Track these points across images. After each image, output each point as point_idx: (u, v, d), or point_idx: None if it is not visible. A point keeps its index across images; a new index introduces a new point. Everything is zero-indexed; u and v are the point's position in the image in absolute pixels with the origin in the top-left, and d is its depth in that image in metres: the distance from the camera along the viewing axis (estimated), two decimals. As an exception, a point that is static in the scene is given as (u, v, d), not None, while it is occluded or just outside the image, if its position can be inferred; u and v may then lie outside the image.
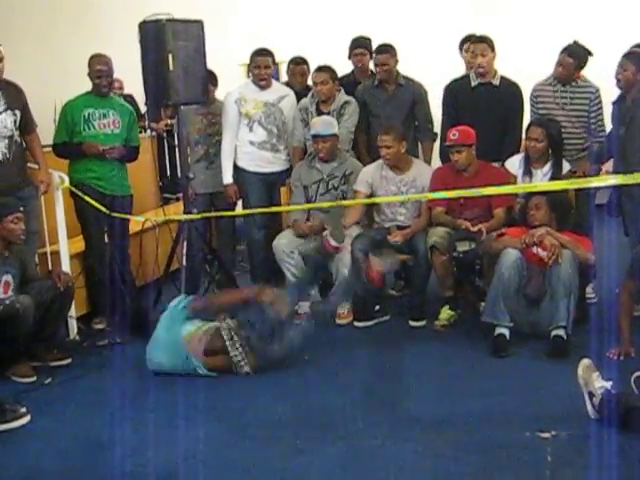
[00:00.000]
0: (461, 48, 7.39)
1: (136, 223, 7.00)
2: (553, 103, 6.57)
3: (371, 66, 7.34)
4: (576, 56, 6.43)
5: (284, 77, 8.19)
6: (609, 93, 6.39)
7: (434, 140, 7.16)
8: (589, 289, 6.49)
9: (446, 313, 6.31)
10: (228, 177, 7.10)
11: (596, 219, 6.80)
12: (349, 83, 7.33)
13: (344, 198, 6.74)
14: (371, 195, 6.64)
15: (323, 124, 6.69)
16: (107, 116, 6.62)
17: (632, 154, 5.81)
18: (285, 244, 6.62)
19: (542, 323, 5.75)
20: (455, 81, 7.00)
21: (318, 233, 6.66)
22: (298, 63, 7.78)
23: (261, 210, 6.88)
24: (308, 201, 6.81)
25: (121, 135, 6.70)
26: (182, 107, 6.80)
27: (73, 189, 6.50)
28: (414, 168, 6.65)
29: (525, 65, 8.01)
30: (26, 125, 6.20)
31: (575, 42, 6.51)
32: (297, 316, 6.43)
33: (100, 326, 6.62)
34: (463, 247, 6.14)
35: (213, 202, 7.36)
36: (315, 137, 6.68)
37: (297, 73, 7.73)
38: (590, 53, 6.47)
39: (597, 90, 6.54)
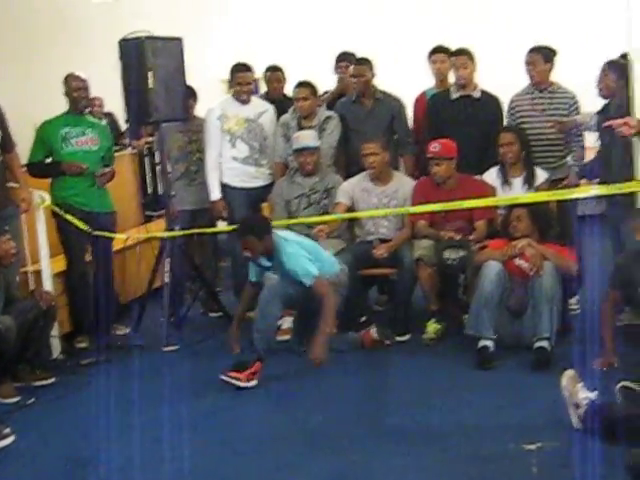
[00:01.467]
0: (429, 59, 7.41)
1: (118, 241, 6.98)
2: (531, 110, 6.61)
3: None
4: (542, 51, 6.55)
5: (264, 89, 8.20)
6: (586, 103, 6.46)
7: (415, 153, 7.16)
8: (573, 300, 6.51)
9: (433, 326, 6.30)
10: (216, 193, 7.09)
11: (580, 230, 6.84)
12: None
13: (326, 213, 6.74)
14: (352, 208, 6.64)
15: (310, 137, 6.71)
16: (85, 134, 6.63)
17: (617, 162, 5.83)
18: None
19: (525, 335, 5.76)
20: (436, 94, 7.05)
21: None
22: (273, 70, 7.79)
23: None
24: (291, 216, 6.80)
25: (99, 152, 6.72)
26: (162, 124, 6.80)
27: (55, 208, 6.48)
28: (395, 180, 6.66)
29: (501, 77, 8.04)
30: (5, 144, 6.17)
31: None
32: (280, 332, 6.46)
33: (82, 345, 6.60)
34: (453, 254, 6.11)
35: (195, 219, 7.34)
36: (301, 150, 6.68)
37: (273, 80, 7.73)
38: (554, 51, 6.59)
39: (574, 96, 6.60)
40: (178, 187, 7.22)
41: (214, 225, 7.44)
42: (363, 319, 6.55)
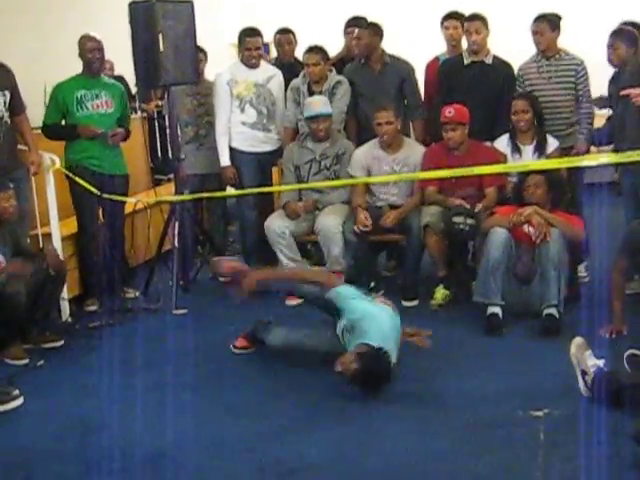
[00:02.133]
0: (442, 25, 7.35)
1: (128, 204, 6.99)
2: (539, 78, 6.58)
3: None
4: (547, 19, 6.48)
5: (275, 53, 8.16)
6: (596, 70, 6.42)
7: (424, 118, 7.13)
8: (581, 267, 6.50)
9: (441, 293, 6.31)
10: (225, 159, 7.09)
11: (590, 198, 6.84)
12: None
13: (336, 178, 6.73)
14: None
15: (323, 104, 6.67)
16: (99, 97, 6.61)
17: (631, 130, 5.80)
18: (277, 225, 6.61)
19: (533, 302, 5.76)
20: (448, 59, 7.03)
21: (310, 212, 6.66)
22: (284, 32, 7.72)
23: (254, 190, 6.87)
24: (300, 181, 6.80)
25: (115, 114, 6.70)
26: (172, 88, 6.78)
27: (64, 171, 6.48)
28: (406, 147, 6.63)
29: (514, 43, 7.98)
30: (15, 106, 6.15)
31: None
32: (290, 297, 6.47)
33: (92, 308, 6.62)
34: (462, 220, 6.09)
35: (204, 183, 7.34)
36: (315, 117, 6.64)
37: (284, 43, 7.66)
38: (559, 17, 6.53)
39: (582, 62, 6.55)
40: (187, 151, 7.21)
41: (223, 189, 7.43)
42: (372, 285, 6.56)
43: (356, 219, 6.36)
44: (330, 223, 6.47)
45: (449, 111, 6.25)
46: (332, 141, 6.76)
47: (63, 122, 6.63)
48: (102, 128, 6.54)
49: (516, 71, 6.74)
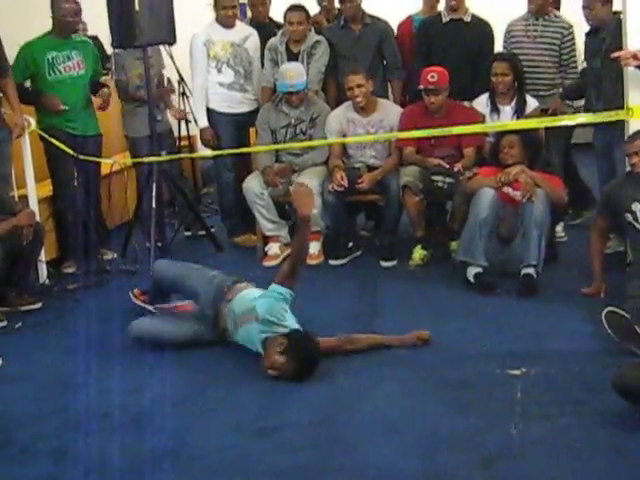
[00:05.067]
0: None
1: (105, 166, 6.94)
2: (524, 36, 6.59)
3: (337, 5, 7.28)
4: None
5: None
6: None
7: (404, 79, 7.09)
8: (559, 228, 6.52)
9: (419, 253, 6.31)
10: (203, 121, 7.04)
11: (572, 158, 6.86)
12: None
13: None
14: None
15: (297, 74, 6.53)
16: (70, 58, 6.53)
17: (608, 86, 5.79)
18: (255, 186, 6.58)
19: (513, 262, 5.77)
20: (427, 19, 6.98)
21: (286, 176, 6.64)
22: None
23: (231, 151, 6.82)
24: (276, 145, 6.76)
25: (86, 75, 6.65)
26: (117, 52, 6.71)
27: (41, 132, 6.42)
28: (380, 108, 6.59)
29: (493, 4, 7.97)
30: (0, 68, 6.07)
31: None
32: (267, 258, 6.50)
33: (70, 270, 6.60)
34: (441, 178, 6.08)
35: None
36: (289, 93, 6.57)
37: (258, 3, 7.50)
38: None
39: (570, 27, 6.54)
40: (140, 113, 7.03)
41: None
42: (350, 245, 6.57)
43: (332, 179, 6.35)
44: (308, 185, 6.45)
45: (431, 75, 6.18)
46: (307, 105, 6.70)
47: (28, 83, 6.53)
48: (74, 91, 6.50)
49: (499, 29, 6.71)
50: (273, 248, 6.56)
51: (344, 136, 6.57)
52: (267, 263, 6.47)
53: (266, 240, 6.75)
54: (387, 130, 6.50)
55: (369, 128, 6.55)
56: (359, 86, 6.39)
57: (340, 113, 6.62)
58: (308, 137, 6.72)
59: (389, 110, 6.61)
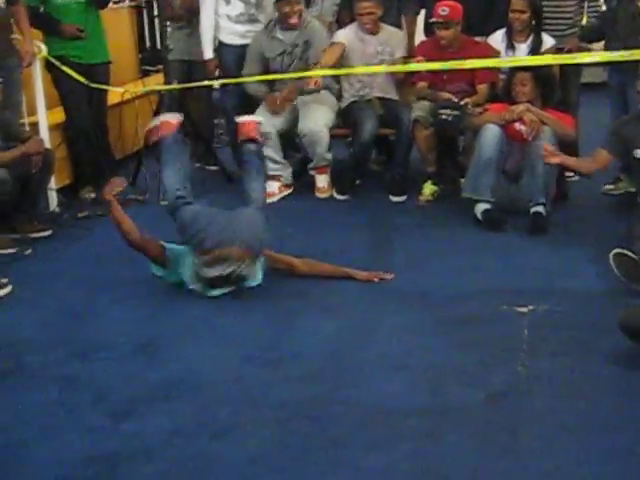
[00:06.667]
0: None
1: (116, 95, 6.90)
2: None
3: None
4: None
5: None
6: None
7: (417, 13, 7.01)
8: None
9: (429, 188, 6.31)
10: (209, 52, 6.97)
11: (583, 97, 6.79)
12: None
13: (308, 66, 6.60)
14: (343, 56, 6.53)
15: None
16: None
17: (624, 26, 5.72)
18: (263, 125, 6.52)
19: (522, 200, 5.76)
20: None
21: (291, 102, 6.63)
22: None
23: (238, 80, 6.72)
24: (275, 73, 6.68)
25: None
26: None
27: (51, 59, 6.37)
28: (384, 30, 6.59)
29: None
30: None
31: None
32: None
33: (92, 195, 6.59)
34: (447, 112, 6.04)
35: (191, 71, 7.23)
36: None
37: None
38: None
39: None
40: (177, 37, 7.07)
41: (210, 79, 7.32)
42: (358, 182, 6.57)
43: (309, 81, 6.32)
44: (313, 126, 6.43)
45: (443, 9, 6.12)
46: (300, 28, 6.61)
47: (42, 10, 6.46)
48: (79, 16, 6.43)
49: None
50: (272, 186, 6.51)
51: (347, 53, 6.51)
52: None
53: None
54: (393, 49, 6.54)
55: (377, 46, 6.54)
56: (370, 13, 6.38)
57: (349, 32, 6.58)
58: (304, 62, 6.63)
59: (391, 32, 6.64)
